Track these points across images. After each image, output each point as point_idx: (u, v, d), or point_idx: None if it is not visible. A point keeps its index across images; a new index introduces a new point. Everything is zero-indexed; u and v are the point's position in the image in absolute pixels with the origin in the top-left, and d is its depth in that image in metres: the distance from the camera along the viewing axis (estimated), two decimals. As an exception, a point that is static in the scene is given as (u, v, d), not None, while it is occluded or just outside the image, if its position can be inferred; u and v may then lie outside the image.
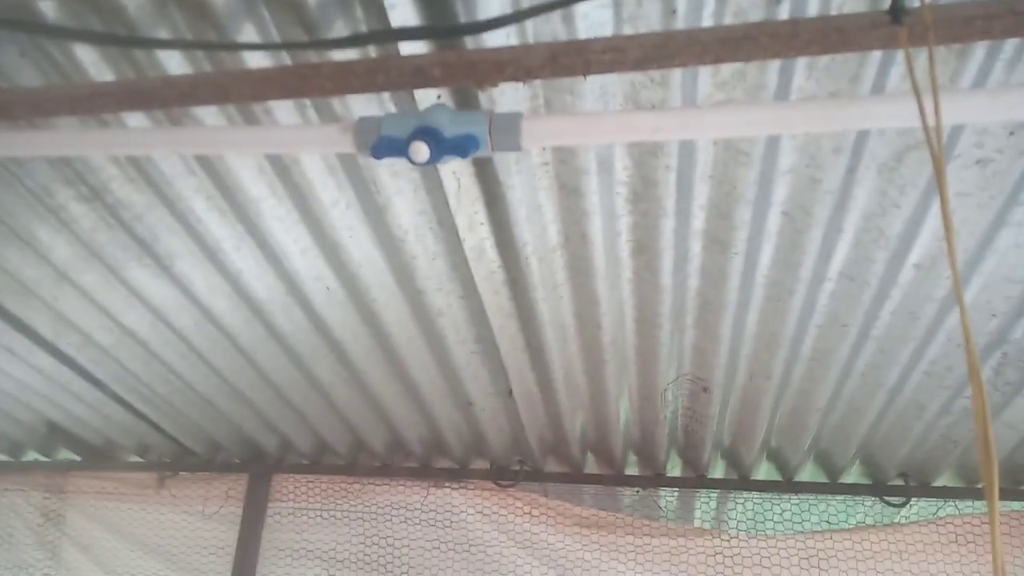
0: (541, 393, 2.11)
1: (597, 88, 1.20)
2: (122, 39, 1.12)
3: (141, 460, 2.81)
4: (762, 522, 2.44)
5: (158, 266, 1.67)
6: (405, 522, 2.61)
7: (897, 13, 0.77)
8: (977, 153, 1.24)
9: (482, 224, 1.47)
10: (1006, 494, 2.18)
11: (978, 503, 2.24)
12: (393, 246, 1.56)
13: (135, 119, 1.26)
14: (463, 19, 1.03)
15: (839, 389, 1.92)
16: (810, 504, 2.51)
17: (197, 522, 2.73)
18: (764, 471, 2.44)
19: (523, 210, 1.41)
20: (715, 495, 2.53)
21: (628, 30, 1.10)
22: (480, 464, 2.60)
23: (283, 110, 1.23)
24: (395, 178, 1.38)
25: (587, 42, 0.95)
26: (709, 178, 1.35)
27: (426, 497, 2.61)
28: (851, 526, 2.38)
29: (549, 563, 2.49)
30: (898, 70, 1.13)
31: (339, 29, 1.09)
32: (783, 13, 1.05)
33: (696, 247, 1.51)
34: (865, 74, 1.13)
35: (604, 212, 1.44)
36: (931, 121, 0.71)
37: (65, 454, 2.85)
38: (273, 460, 2.70)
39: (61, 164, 1.41)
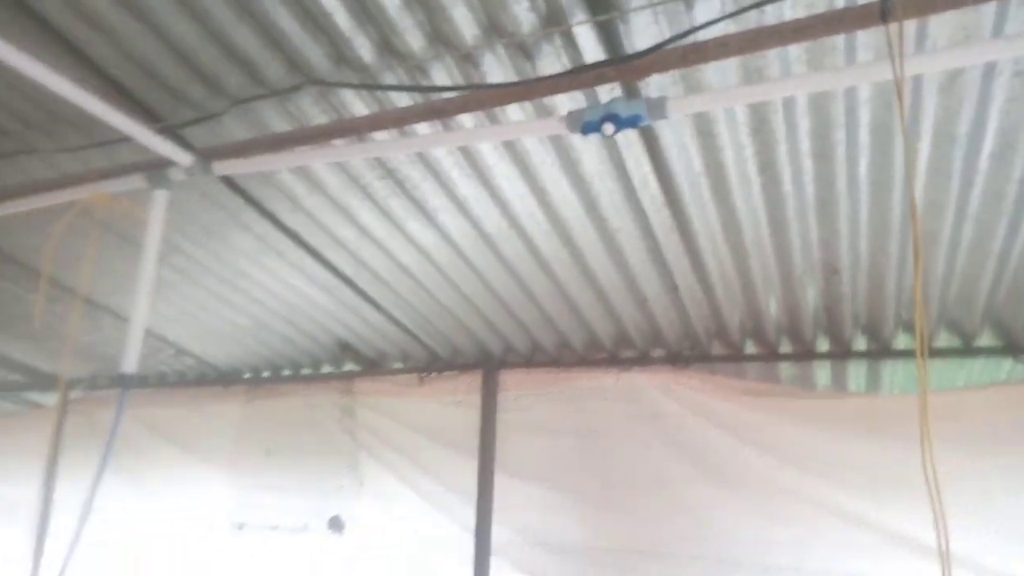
0: (702, 289, 2.72)
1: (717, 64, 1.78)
2: (400, 87, 1.87)
3: (403, 366, 3.77)
4: (902, 385, 2.92)
5: (427, 219, 2.47)
6: (603, 400, 3.36)
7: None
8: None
9: (645, 164, 2.10)
10: None
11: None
12: (583, 187, 2.24)
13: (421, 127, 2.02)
14: (628, 51, 1.67)
15: (951, 262, 2.35)
16: (950, 367, 2.93)
17: (448, 409, 3.65)
18: (903, 341, 2.89)
19: (673, 150, 2.02)
20: (862, 364, 3.03)
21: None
22: (658, 352, 3.26)
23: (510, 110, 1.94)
24: (584, 141, 2.05)
25: (704, 43, 1.55)
26: (808, 111, 1.88)
27: (617, 380, 3.32)
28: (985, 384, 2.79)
29: (718, 425, 3.11)
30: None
31: (548, 54, 1.75)
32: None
33: (807, 162, 2.04)
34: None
35: (733, 145, 2.01)
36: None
37: (349, 366, 3.90)
38: (498, 360, 3.54)
39: (370, 160, 2.23)
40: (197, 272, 3.04)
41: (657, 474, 3.20)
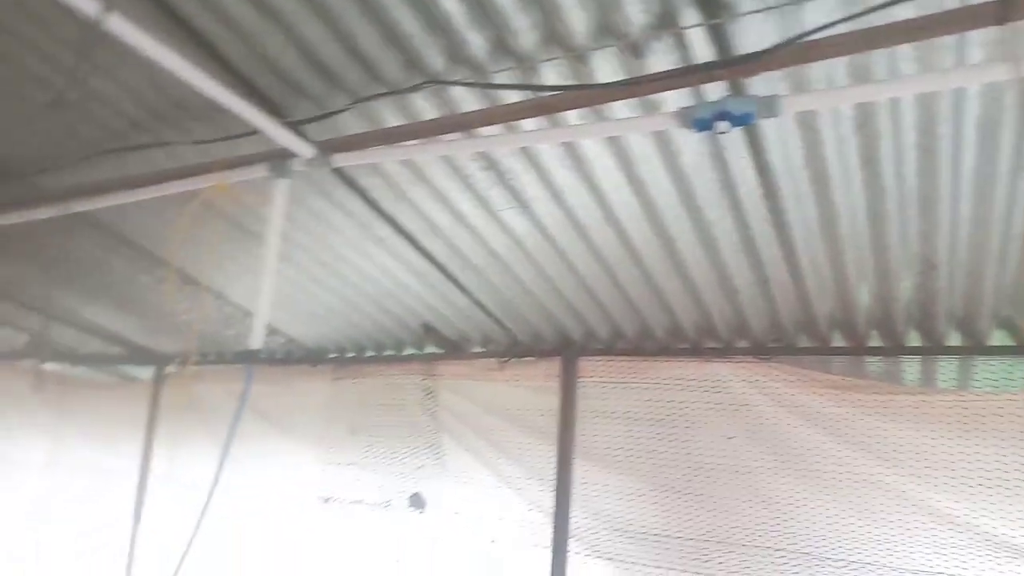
0: (793, 281, 2.73)
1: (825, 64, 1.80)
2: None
3: (484, 350, 3.88)
4: (995, 382, 2.86)
5: (521, 207, 2.55)
6: (683, 389, 3.39)
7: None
8: None
9: (744, 156, 2.13)
10: None
11: None
12: (681, 179, 2.28)
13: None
14: (736, 49, 1.71)
15: (1055, 259, 2.31)
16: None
17: (527, 394, 3.75)
18: (997, 338, 2.83)
19: (775, 143, 2.05)
20: (952, 360, 2.98)
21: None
22: (742, 343, 3.28)
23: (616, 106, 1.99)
24: (686, 134, 2.09)
25: (817, 42, 1.57)
26: (914, 105, 1.88)
27: (700, 370, 3.36)
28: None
29: (803, 417, 3.12)
30: None
31: (656, 51, 1.80)
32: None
33: (911, 156, 2.03)
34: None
35: (835, 139, 2.02)
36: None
37: (431, 349, 4.03)
38: (578, 347, 3.61)
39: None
40: (298, 255, 3.20)
41: (738, 465, 3.22)
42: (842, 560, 2.96)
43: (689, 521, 3.28)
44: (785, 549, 3.07)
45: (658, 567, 3.29)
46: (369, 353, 4.21)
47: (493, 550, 3.68)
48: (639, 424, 3.47)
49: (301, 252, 3.15)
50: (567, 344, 3.61)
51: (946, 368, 3.13)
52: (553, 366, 3.69)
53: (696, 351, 3.37)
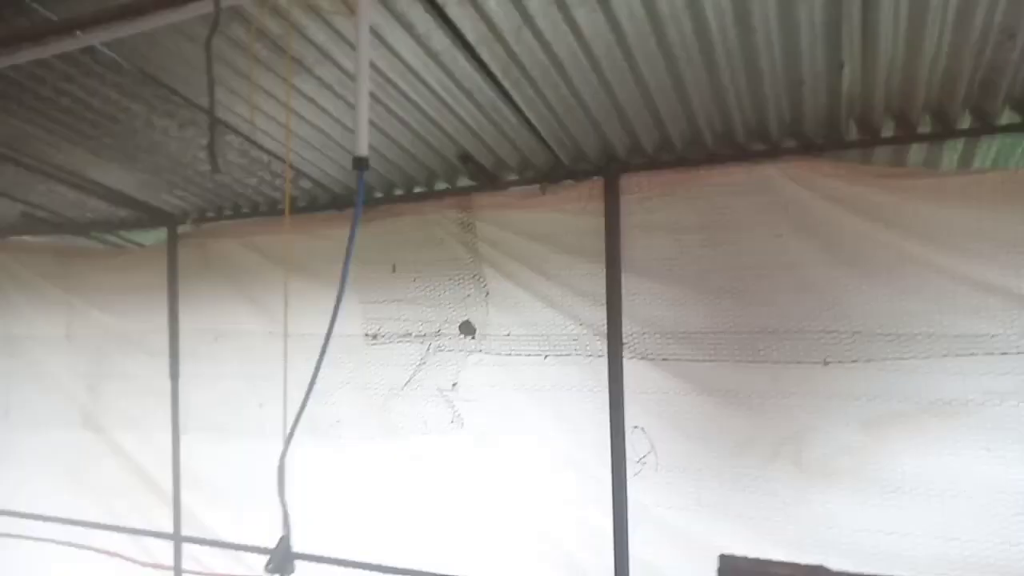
0: (864, 66, 2.70)
1: None
2: None
3: (520, 178, 3.84)
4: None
5: (599, 3, 2.44)
6: (731, 195, 3.46)
7: None
8: None
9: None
10: None
11: None
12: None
13: None
14: None
15: None
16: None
17: (570, 218, 3.77)
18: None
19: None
20: (999, 140, 3.09)
21: None
22: (789, 143, 3.31)
23: None
24: None
25: None
26: None
27: (748, 174, 3.41)
28: None
29: (848, 208, 3.22)
30: None
31: None
32: None
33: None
34: None
35: None
36: None
37: (464, 182, 3.97)
38: (621, 164, 3.60)
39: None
40: (339, 84, 3.03)
41: (786, 260, 3.37)
42: (892, 334, 3.19)
43: (739, 317, 3.46)
44: (836, 331, 3.28)
45: (711, 360, 3.50)
46: (398, 192, 4.13)
47: (546, 366, 3.84)
48: (686, 233, 3.56)
49: (343, 80, 2.98)
50: (610, 161, 3.60)
51: (985, 148, 3.26)
52: (595, 186, 3.70)
53: (743, 155, 3.40)
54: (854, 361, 3.27)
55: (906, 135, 3.11)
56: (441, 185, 4.02)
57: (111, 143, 3.60)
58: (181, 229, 4.71)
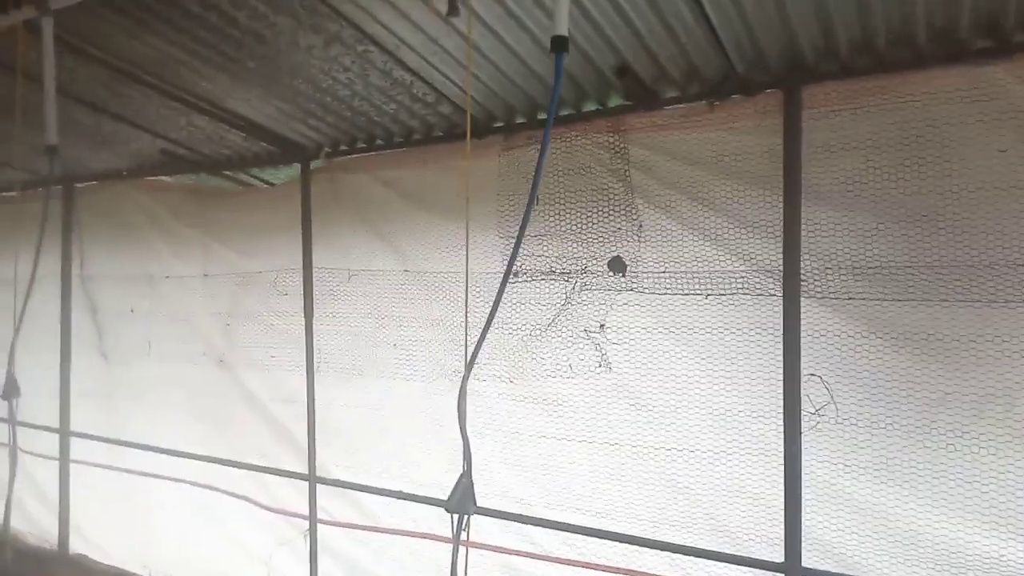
0: None
1: None
2: None
3: (681, 94, 3.45)
4: None
5: None
6: (942, 104, 2.93)
7: None
8: None
9: None
10: None
11: None
12: None
13: None
14: None
15: None
16: None
17: (740, 138, 3.34)
18: None
19: None
20: None
21: None
22: (1021, 37, 2.76)
23: None
24: None
25: None
26: None
27: (966, 77, 2.88)
28: None
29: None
30: None
31: None
32: None
33: None
34: None
35: None
36: None
37: (616, 102, 3.61)
38: (806, 72, 3.14)
39: None
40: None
41: (1013, 181, 2.84)
42: None
43: (945, 249, 2.96)
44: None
45: (906, 300, 3.03)
46: (541, 116, 3.82)
47: (705, 312, 3.46)
48: (881, 153, 3.08)
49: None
50: (793, 69, 3.14)
51: None
52: (772, 100, 3.26)
53: (961, 55, 2.87)
54: (1097, 300, 2.72)
55: None
56: (590, 106, 3.68)
57: (254, 67, 3.46)
58: (314, 164, 4.59)
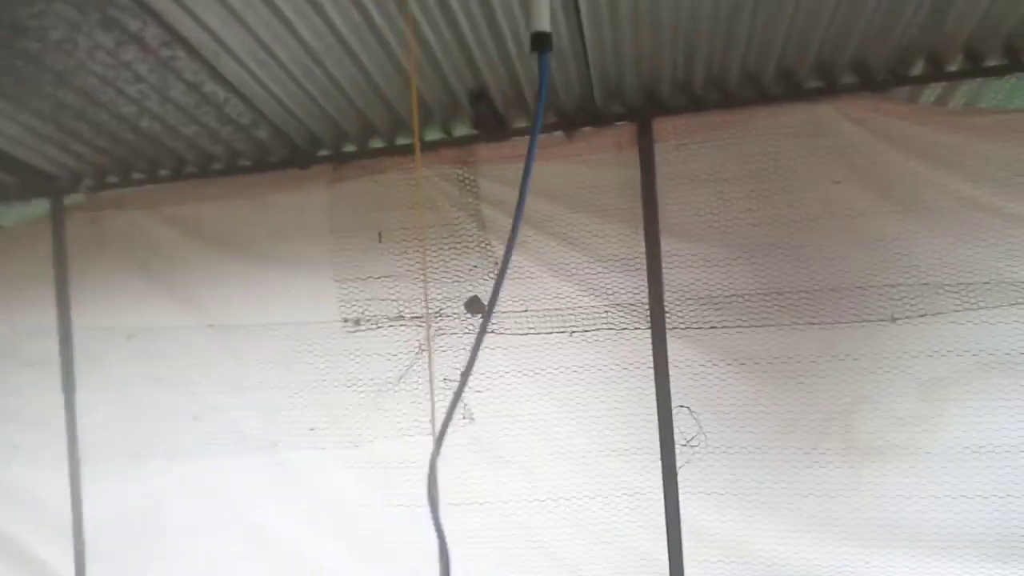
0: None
1: None
2: None
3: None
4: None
5: None
6: (783, 138, 3.11)
7: None
8: None
9: None
10: None
11: None
12: None
13: None
14: None
15: None
16: None
17: (596, 170, 3.26)
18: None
19: None
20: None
21: None
22: (848, 79, 3.02)
23: None
24: None
25: None
26: None
27: (801, 114, 3.08)
28: None
29: (912, 151, 2.98)
30: None
31: None
32: None
33: None
34: None
35: None
36: None
37: (462, 130, 3.33)
38: (660, 105, 3.14)
39: None
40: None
41: (846, 210, 3.08)
42: (958, 283, 3.00)
43: (793, 275, 3.13)
44: (901, 284, 3.04)
45: (761, 325, 3.15)
46: (376, 144, 3.39)
47: (573, 341, 3.30)
48: (729, 184, 3.18)
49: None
50: (648, 101, 3.13)
51: None
52: (627, 132, 3.22)
53: (797, 93, 3.06)
54: (922, 316, 3.04)
55: (974, 68, 2.91)
56: (434, 135, 3.35)
57: (3, 66, 2.58)
58: (71, 200, 3.64)
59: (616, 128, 3.22)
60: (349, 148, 3.39)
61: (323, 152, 3.40)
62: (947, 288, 3.02)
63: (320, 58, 2.67)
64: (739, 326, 3.17)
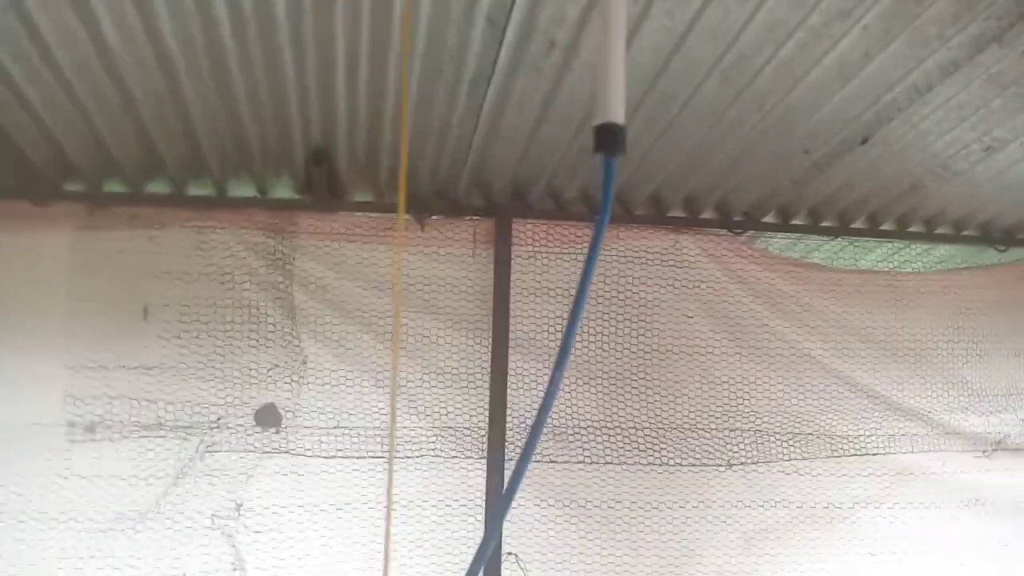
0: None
1: None
2: None
3: (375, 200, 2.69)
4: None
5: None
6: (643, 264, 2.93)
7: None
8: None
9: None
10: None
11: None
12: None
13: None
14: None
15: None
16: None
17: (444, 266, 2.77)
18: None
19: None
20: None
21: None
22: (708, 215, 2.96)
23: None
24: None
25: None
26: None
27: (664, 241, 2.93)
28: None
29: (758, 295, 3.00)
30: None
31: None
32: None
33: None
34: None
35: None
36: None
37: (286, 192, 2.64)
38: (523, 204, 2.78)
39: None
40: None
41: (696, 347, 2.97)
42: (788, 433, 2.99)
43: (642, 409, 2.90)
44: (739, 428, 2.96)
45: (609, 463, 2.85)
46: (160, 188, 2.53)
47: (370, 488, 2.66)
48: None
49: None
50: (514, 199, 2.75)
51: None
52: (485, 228, 2.80)
53: (660, 220, 2.92)
54: (755, 463, 2.97)
55: (813, 225, 3.02)
56: (244, 189, 2.60)
57: None
58: None
59: (473, 222, 2.77)
60: (115, 187, 2.48)
61: (75, 187, 2.44)
62: (777, 436, 2.99)
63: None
64: (581, 462, 2.83)
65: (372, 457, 2.66)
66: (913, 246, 3.18)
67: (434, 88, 2.04)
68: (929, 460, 3.08)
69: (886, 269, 3.21)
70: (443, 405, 2.74)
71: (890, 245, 3.19)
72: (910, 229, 3.09)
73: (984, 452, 3.13)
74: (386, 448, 2.66)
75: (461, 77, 1.99)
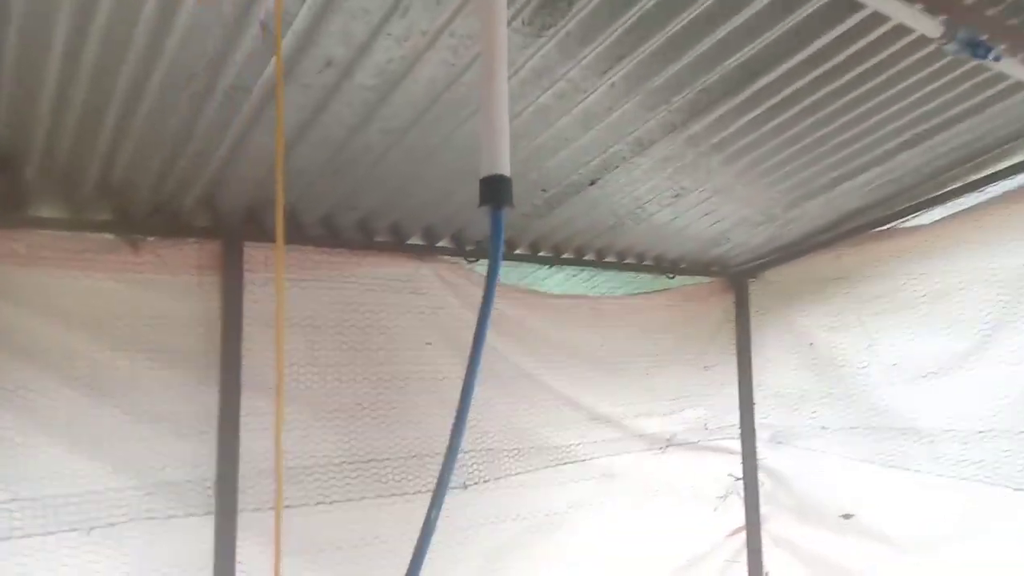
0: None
1: None
2: None
3: (72, 218, 2.20)
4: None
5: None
6: (385, 289, 2.87)
7: None
8: None
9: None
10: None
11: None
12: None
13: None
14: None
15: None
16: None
17: (170, 293, 2.38)
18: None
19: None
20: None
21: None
22: (443, 242, 3.00)
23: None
24: None
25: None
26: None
27: (404, 269, 2.91)
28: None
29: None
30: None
31: None
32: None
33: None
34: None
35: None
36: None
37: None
38: (257, 228, 2.52)
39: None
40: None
41: (434, 372, 3.00)
42: (515, 449, 3.19)
43: (382, 439, 2.85)
44: (472, 450, 3.08)
45: (350, 499, 2.74)
46: None
47: (93, 541, 2.21)
48: (322, 332, 2.76)
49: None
50: (246, 220, 2.48)
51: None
52: (210, 252, 2.47)
53: (399, 247, 2.89)
54: (486, 481, 3.11)
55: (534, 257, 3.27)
56: None
57: None
58: None
59: (198, 245, 2.43)
60: None
61: None
62: (506, 453, 3.16)
63: None
64: (320, 503, 2.66)
65: (63, 532, 2.17)
66: (607, 273, 3.61)
67: (178, 95, 1.74)
68: (624, 460, 3.53)
69: (590, 295, 3.60)
70: (158, 458, 2.35)
71: (590, 271, 3.59)
72: (606, 259, 3.52)
73: (661, 448, 3.69)
74: (81, 519, 2.19)
75: (215, 86, 1.74)
